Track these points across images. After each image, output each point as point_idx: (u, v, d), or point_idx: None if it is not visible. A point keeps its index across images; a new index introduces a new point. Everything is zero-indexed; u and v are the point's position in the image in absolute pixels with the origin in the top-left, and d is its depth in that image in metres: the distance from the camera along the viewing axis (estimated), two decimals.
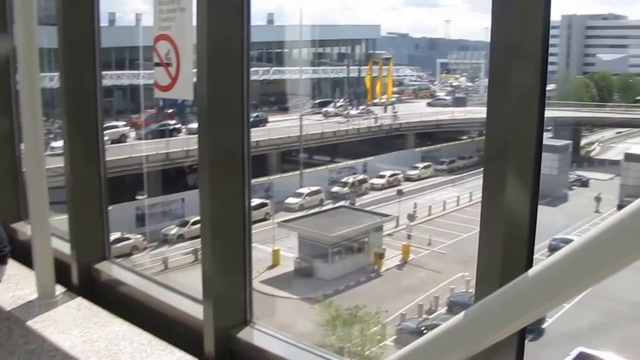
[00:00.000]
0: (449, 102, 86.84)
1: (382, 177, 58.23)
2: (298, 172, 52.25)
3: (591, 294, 33.23)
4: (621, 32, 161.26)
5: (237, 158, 3.34)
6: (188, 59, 3.71)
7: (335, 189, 52.32)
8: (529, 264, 2.61)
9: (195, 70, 3.45)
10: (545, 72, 2.56)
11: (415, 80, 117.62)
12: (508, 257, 2.52)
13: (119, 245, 36.11)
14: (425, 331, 27.01)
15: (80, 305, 4.28)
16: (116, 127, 49.35)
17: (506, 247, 2.52)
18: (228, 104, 3.29)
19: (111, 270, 4.85)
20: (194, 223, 37.10)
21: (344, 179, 54.58)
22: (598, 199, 52.62)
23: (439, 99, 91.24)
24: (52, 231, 4.37)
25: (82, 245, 4.73)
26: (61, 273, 4.49)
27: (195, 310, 3.72)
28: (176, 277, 34.66)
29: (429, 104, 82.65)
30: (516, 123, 2.47)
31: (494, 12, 2.42)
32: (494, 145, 2.54)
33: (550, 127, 77.78)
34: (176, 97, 3.86)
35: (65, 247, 4.78)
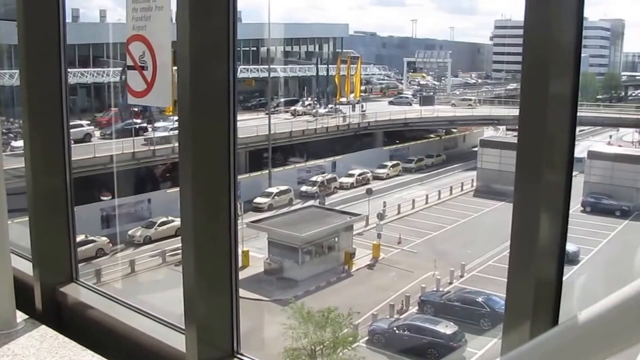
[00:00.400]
0: (411, 100, 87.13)
1: (351, 176, 58.10)
2: (266, 171, 51.82)
3: None
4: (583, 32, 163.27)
5: (223, 173, 2.95)
6: (165, 62, 3.30)
7: (304, 188, 52.01)
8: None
9: (173, 74, 3.06)
10: (577, 83, 2.28)
11: (383, 79, 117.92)
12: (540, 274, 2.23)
13: (83, 248, 35.34)
14: (397, 331, 26.89)
15: (45, 336, 3.70)
16: (80, 126, 48.53)
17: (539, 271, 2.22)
18: (213, 110, 2.89)
19: (79, 293, 4.28)
20: (162, 224, 36.46)
21: (313, 178, 54.29)
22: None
23: (400, 97, 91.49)
24: (11, 248, 3.89)
25: (46, 265, 4.18)
26: (22, 297, 3.92)
27: (176, 341, 3.30)
28: (143, 279, 34.11)
29: (391, 102, 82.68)
30: (552, 135, 2.16)
31: (527, 19, 2.16)
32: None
33: (515, 126, 78.37)
34: (152, 103, 3.47)
35: (26, 267, 4.25)
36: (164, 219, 37.54)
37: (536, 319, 2.29)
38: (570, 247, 39.42)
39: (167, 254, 33.38)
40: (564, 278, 2.55)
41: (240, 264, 30.78)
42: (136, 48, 3.44)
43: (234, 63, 2.85)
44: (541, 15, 2.15)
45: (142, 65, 3.40)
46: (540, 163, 2.22)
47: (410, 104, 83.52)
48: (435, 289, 32.95)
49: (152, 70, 3.33)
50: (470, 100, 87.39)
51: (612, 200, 52.06)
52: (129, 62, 3.48)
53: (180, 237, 3.25)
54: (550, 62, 2.16)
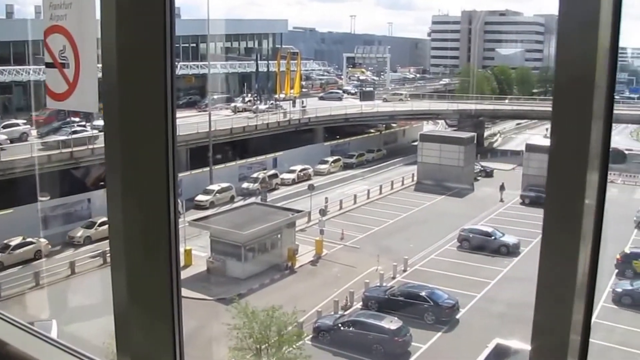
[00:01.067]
0: (341, 96, 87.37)
1: (292, 172, 57.88)
2: (207, 168, 51.09)
3: (496, 289, 33.94)
4: (518, 27, 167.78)
5: (161, 173, 2.59)
6: (91, 59, 2.91)
7: (245, 185, 51.52)
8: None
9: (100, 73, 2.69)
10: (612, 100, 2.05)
11: (323, 75, 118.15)
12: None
13: (21, 250, 34.21)
14: (342, 328, 26.78)
15: None
16: (16, 125, 47.16)
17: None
18: (148, 108, 2.54)
19: None
20: (102, 224, 35.53)
21: (255, 175, 53.83)
22: (502, 188, 53.90)
23: (331, 92, 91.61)
24: None
25: None
26: None
27: None
28: (84, 281, 33.21)
29: (321, 98, 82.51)
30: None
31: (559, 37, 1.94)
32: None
33: (454, 120, 79.54)
34: (75, 108, 3.05)
35: None
36: (104, 219, 36.62)
37: None
38: (510, 239, 40.15)
39: (107, 254, 32.66)
40: None
41: (182, 263, 30.16)
42: (55, 41, 2.96)
43: (172, 59, 2.50)
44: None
45: (63, 62, 2.97)
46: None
47: (341, 99, 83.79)
48: (378, 284, 32.98)
49: (75, 68, 2.92)
50: (401, 95, 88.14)
51: None
52: (48, 59, 3.07)
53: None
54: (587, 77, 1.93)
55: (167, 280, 2.70)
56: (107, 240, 2.83)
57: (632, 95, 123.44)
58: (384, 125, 79.17)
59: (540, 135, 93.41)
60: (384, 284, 33.07)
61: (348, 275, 34.70)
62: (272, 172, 55.87)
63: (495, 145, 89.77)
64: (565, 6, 1.93)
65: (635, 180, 64.14)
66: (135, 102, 2.56)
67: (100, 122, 46.02)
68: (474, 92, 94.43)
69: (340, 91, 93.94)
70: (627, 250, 38.07)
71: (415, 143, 66.64)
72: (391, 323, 26.64)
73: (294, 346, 21.04)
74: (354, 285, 32.78)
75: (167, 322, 2.72)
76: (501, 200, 53.08)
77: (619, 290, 32.71)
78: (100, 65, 2.72)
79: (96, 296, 27.34)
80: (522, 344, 20.84)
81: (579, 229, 1.93)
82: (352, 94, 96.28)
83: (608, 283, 34.49)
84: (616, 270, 36.32)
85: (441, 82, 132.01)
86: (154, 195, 2.62)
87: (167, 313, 2.72)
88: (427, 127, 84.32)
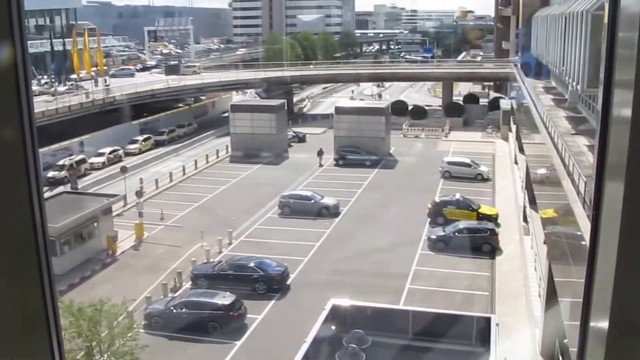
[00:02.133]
0: (133, 72, 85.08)
1: (101, 155, 55.36)
2: None
3: (322, 251, 34.73)
4: None
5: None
6: None
7: (51, 174, 48.31)
8: None
9: None
10: None
11: (124, 50, 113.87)
12: None
13: None
14: (174, 311, 26.04)
15: None
16: None
17: None
18: None
19: None
20: None
21: (61, 162, 50.71)
22: (320, 153, 54.97)
23: (122, 69, 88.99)
24: None
25: None
26: None
27: None
28: None
29: (113, 75, 79.49)
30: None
31: None
32: None
33: (263, 88, 79.91)
34: None
35: None
36: None
37: None
38: (330, 201, 41.14)
39: None
40: None
41: None
42: None
43: (23, 37, 1.93)
44: None
45: None
46: None
47: (133, 75, 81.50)
48: (206, 261, 32.41)
49: None
50: (194, 67, 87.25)
51: (361, 152, 55.01)
52: None
53: None
54: None
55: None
56: None
57: (425, 55, 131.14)
58: (192, 99, 77.88)
59: (346, 97, 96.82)
60: (212, 260, 32.56)
61: (173, 256, 33.83)
62: (79, 157, 53.02)
63: (305, 110, 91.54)
64: None
65: (436, 133, 68.16)
66: None
67: None
68: (280, 59, 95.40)
69: (132, 68, 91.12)
70: (437, 199, 40.36)
71: (226, 114, 66.21)
72: (224, 298, 26.24)
73: (127, 338, 20.05)
74: (181, 265, 32.03)
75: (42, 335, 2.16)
76: (320, 165, 54.19)
77: (434, 237, 34.66)
78: None
79: None
80: (356, 301, 21.41)
81: None
82: (154, 67, 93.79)
83: (423, 232, 36.51)
84: (429, 219, 38.45)
85: (246, 51, 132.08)
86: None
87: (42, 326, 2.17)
88: (237, 98, 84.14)
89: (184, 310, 26.06)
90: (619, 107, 1.83)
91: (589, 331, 2.12)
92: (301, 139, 66.21)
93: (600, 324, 1.95)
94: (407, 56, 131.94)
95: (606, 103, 1.89)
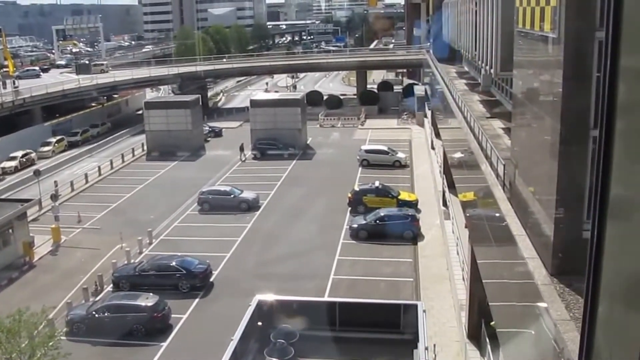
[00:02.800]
0: (38, 73, 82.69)
1: (13, 159, 53.71)
2: None
3: (244, 245, 34.79)
4: None
5: None
6: None
7: None
8: None
9: None
10: None
11: (32, 51, 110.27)
12: None
13: None
14: (97, 315, 25.65)
15: None
16: None
17: None
18: None
19: None
20: None
21: None
22: (242, 149, 54.89)
23: (27, 70, 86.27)
24: None
25: None
26: None
27: None
28: None
29: (18, 77, 76.28)
30: None
31: None
32: None
33: (177, 83, 79.01)
34: None
35: None
36: None
37: None
38: (249, 195, 41.26)
39: None
40: None
41: None
42: None
43: None
44: None
45: None
46: None
47: (39, 76, 79.27)
48: (127, 262, 31.99)
49: None
50: (102, 65, 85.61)
51: (278, 144, 55.22)
52: None
53: None
54: None
55: None
56: None
57: (338, 44, 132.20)
58: (105, 98, 76.28)
59: (261, 89, 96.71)
60: (133, 261, 32.17)
61: (93, 259, 33.27)
62: None
63: (220, 104, 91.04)
64: None
65: (352, 122, 69.04)
66: None
67: None
68: (192, 54, 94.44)
69: (37, 68, 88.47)
70: (357, 188, 40.98)
71: (141, 112, 65.21)
72: (147, 300, 25.99)
73: (49, 347, 19.66)
74: (102, 268, 31.51)
75: None
76: (243, 160, 54.05)
77: (355, 226, 35.12)
78: None
79: None
80: (281, 295, 21.55)
81: None
82: (65, 67, 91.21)
83: (344, 221, 37.04)
84: (349, 208, 39.03)
85: (157, 47, 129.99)
86: None
87: None
88: (151, 95, 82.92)
89: (106, 314, 25.69)
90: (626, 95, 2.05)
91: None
92: (217, 133, 65.91)
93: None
94: (320, 46, 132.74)
95: (611, 95, 2.06)
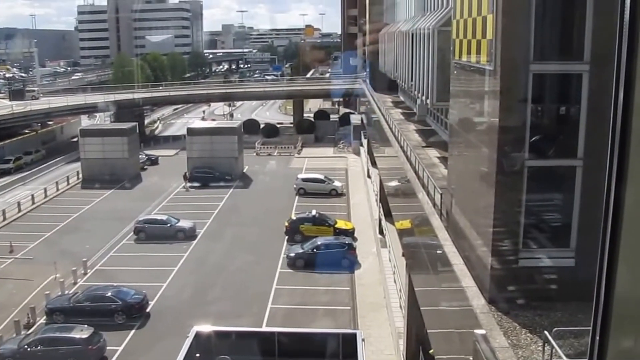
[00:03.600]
0: None
1: None
2: None
3: (181, 275, 34.61)
4: (164, 14, 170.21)
5: None
6: None
7: None
8: None
9: None
10: None
11: None
12: None
13: None
14: (29, 349, 25.10)
15: None
16: None
17: None
18: None
19: None
20: None
21: None
22: (185, 178, 54.76)
23: None
24: None
25: None
26: None
27: None
28: None
29: None
30: None
31: None
32: None
33: (113, 111, 78.21)
34: None
35: None
36: None
37: None
38: (186, 224, 41.14)
39: None
40: None
41: None
42: None
43: None
44: None
45: None
46: None
47: None
48: (60, 293, 31.44)
49: None
50: (33, 91, 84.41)
51: (215, 172, 55.26)
52: None
53: None
54: None
55: None
56: None
57: (275, 73, 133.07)
58: (39, 124, 74.90)
59: (198, 117, 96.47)
60: (67, 292, 31.65)
61: (25, 290, 32.53)
62: None
63: (156, 132, 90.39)
64: None
65: (289, 150, 69.54)
66: None
67: None
68: (130, 81, 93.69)
69: None
70: (294, 217, 41.33)
71: (76, 139, 64.26)
72: (82, 332, 25.62)
73: None
74: (34, 300, 30.87)
75: None
76: (186, 189, 53.72)
77: (292, 254, 35.42)
78: None
79: None
80: (219, 326, 21.59)
81: None
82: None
83: (282, 250, 37.28)
84: (287, 237, 39.32)
85: (93, 74, 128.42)
86: None
87: None
88: (87, 122, 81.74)
89: (39, 347, 25.20)
90: None
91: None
92: (154, 161, 65.45)
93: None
94: (257, 74, 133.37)
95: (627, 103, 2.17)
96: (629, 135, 2.13)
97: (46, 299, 30.42)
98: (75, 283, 33.39)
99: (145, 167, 62.96)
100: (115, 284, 30.91)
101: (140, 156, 63.31)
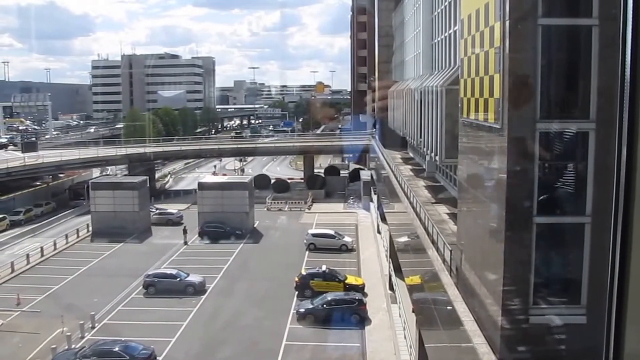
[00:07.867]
0: None
1: None
2: None
3: (190, 330, 34.34)
4: (177, 70, 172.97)
5: None
6: None
7: None
8: None
9: None
10: None
11: None
12: None
13: None
14: None
15: None
16: None
17: None
18: None
19: None
20: None
21: None
22: (185, 232, 54.80)
23: None
24: None
25: None
26: None
27: None
28: None
29: None
30: None
31: None
32: None
33: (124, 164, 78.86)
34: None
35: None
36: None
37: None
38: (196, 278, 40.99)
39: None
40: None
41: None
42: None
43: None
44: None
45: None
46: None
47: None
48: (67, 348, 31.24)
49: None
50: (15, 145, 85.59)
51: (225, 227, 55.25)
52: None
53: None
54: None
55: None
56: None
57: (286, 128, 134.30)
58: (50, 177, 75.56)
59: (209, 172, 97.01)
60: (73, 346, 31.46)
61: (31, 344, 32.32)
62: None
63: (167, 186, 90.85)
64: None
65: (299, 206, 69.60)
66: None
67: None
68: (141, 135, 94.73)
69: None
70: (304, 272, 41.17)
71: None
72: None
73: None
74: (40, 354, 30.69)
75: None
76: (185, 243, 53.77)
77: (302, 310, 35.17)
78: None
79: None
80: None
81: None
82: (11, 144, 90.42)
83: (291, 305, 37.04)
84: (297, 292, 39.09)
85: (106, 127, 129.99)
86: None
87: None
88: (97, 175, 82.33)
89: None
90: None
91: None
92: (175, 222, 65.36)
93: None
94: (268, 130, 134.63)
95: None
96: (633, 193, 2.16)
97: (52, 353, 30.21)
98: (82, 337, 33.16)
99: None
100: (123, 339, 30.71)
101: (150, 209, 63.43)
